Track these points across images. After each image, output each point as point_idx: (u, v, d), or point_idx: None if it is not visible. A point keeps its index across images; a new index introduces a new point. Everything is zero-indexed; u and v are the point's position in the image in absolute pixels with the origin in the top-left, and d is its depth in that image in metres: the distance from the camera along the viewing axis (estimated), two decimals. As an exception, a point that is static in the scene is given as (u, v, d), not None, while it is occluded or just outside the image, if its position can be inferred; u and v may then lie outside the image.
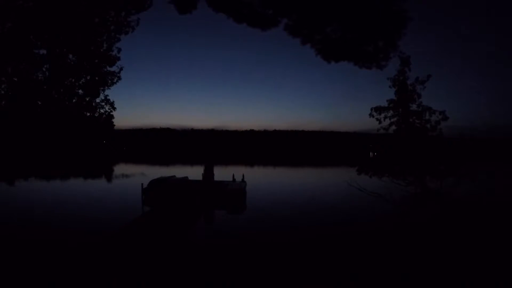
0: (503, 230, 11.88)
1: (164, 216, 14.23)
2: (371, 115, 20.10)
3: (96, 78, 8.67)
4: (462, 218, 13.82)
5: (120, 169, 44.90)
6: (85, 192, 21.09)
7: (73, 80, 8.47)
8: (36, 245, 9.59)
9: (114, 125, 10.00)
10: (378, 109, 19.96)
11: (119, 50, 8.73)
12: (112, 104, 9.23)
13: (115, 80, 8.96)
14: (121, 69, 8.95)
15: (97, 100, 9.00)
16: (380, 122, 19.99)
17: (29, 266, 7.89)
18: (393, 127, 19.92)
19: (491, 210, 15.38)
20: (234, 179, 20.87)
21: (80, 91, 8.69)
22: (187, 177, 20.56)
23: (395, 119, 19.86)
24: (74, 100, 8.67)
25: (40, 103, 8.34)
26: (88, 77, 8.61)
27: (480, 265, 8.22)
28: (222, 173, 24.71)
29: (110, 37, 8.42)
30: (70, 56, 8.24)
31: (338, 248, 9.74)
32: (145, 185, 17.60)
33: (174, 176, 20.38)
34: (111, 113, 9.36)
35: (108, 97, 9.13)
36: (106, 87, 8.91)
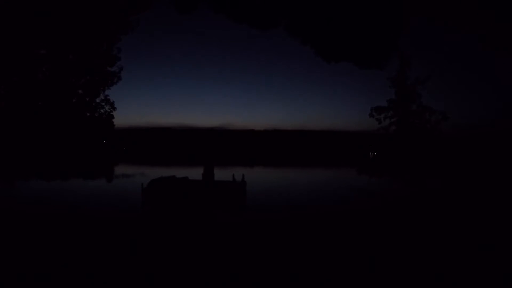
0: (502, 229, 11.89)
1: (164, 216, 14.24)
2: (371, 115, 20.33)
3: (96, 78, 8.70)
4: (461, 217, 13.84)
5: (120, 169, 44.88)
6: (84, 191, 21.09)
7: (73, 80, 8.50)
8: (35, 245, 9.59)
9: (114, 125, 10.02)
10: (378, 109, 20.12)
11: (119, 50, 8.78)
12: (112, 104, 9.30)
13: (115, 80, 9.00)
14: (121, 69, 9.01)
15: (97, 100, 9.05)
16: (380, 122, 20.21)
17: (26, 269, 7.91)
18: (393, 127, 19.96)
19: (489, 209, 15.39)
20: (234, 179, 20.87)
21: (80, 91, 8.72)
22: (187, 177, 20.56)
23: (395, 119, 19.90)
24: (74, 100, 8.69)
25: (40, 103, 8.36)
26: (88, 77, 8.63)
27: (479, 265, 8.23)
28: (222, 173, 24.69)
29: (110, 37, 8.44)
30: (70, 56, 8.27)
31: (338, 248, 9.75)
32: (145, 185, 17.60)
33: (174, 176, 20.39)
34: (111, 113, 9.40)
35: (108, 97, 9.17)
36: (106, 87, 8.95)
